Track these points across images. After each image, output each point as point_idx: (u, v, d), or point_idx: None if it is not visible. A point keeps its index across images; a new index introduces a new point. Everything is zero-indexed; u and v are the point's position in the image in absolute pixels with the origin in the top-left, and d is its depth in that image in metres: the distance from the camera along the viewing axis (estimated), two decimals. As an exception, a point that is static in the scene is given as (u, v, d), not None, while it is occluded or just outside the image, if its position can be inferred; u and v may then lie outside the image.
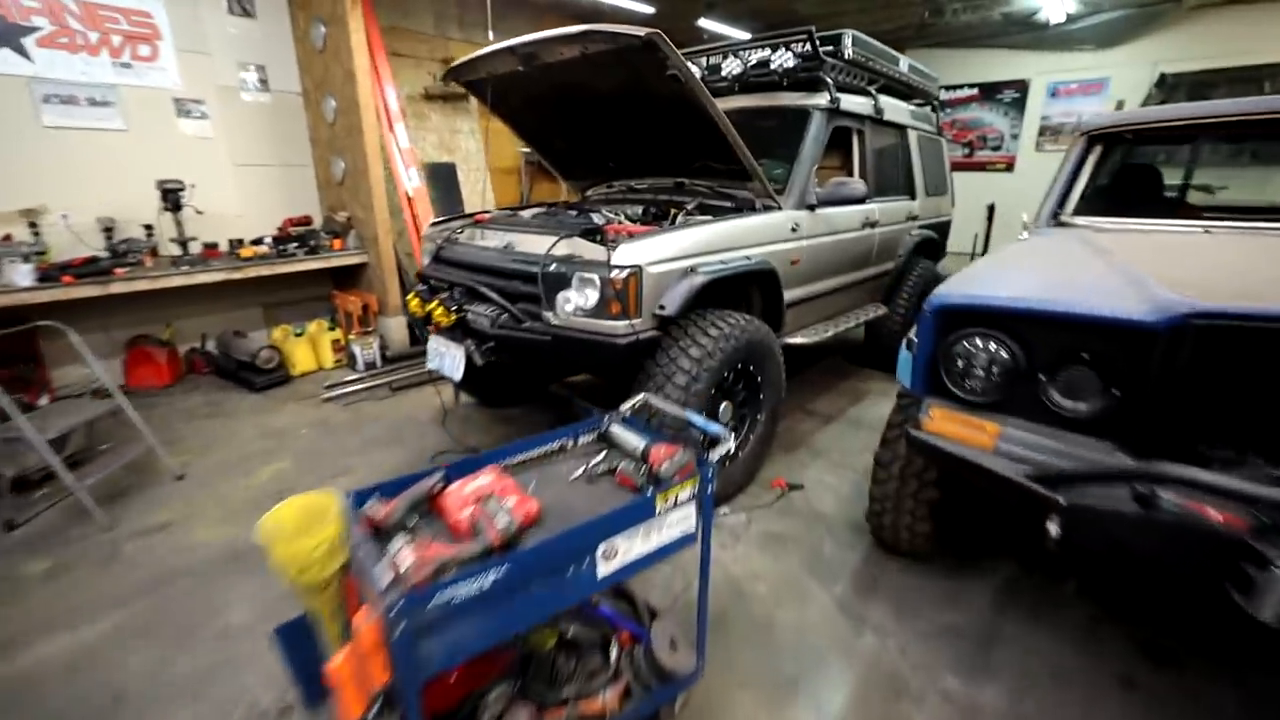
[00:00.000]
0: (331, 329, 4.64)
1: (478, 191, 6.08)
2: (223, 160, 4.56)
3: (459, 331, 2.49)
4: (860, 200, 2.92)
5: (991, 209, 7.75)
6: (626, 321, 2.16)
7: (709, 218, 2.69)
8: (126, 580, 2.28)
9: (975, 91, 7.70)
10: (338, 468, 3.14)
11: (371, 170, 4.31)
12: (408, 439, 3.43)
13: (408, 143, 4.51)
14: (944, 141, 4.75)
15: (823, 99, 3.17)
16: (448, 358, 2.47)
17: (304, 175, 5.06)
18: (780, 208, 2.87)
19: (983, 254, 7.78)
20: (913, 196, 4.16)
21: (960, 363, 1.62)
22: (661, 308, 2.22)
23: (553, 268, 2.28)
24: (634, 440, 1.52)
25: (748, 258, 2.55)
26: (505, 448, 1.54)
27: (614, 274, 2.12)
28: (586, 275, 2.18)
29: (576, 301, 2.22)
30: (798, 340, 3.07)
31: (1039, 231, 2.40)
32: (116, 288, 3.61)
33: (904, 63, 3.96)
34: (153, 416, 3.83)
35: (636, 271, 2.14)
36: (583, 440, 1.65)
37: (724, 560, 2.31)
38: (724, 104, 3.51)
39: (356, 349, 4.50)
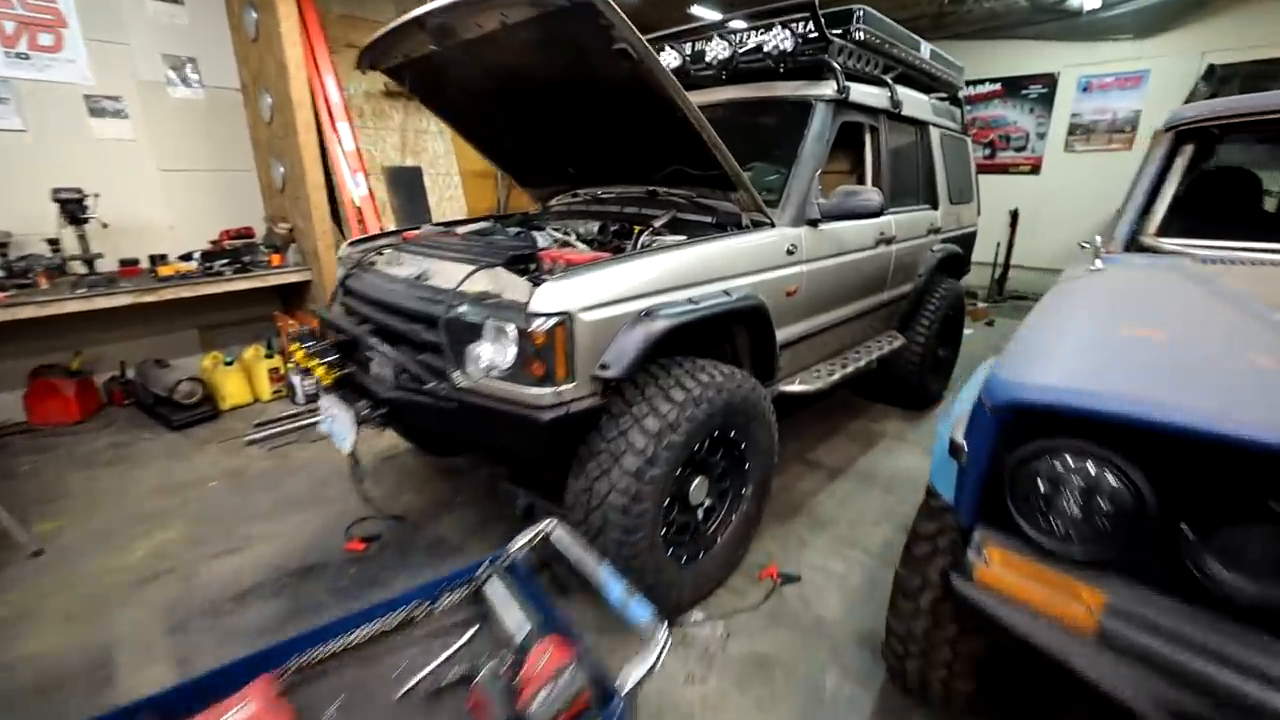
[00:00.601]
0: (270, 355, 4.09)
1: (447, 198, 5.52)
2: (147, 165, 4.03)
3: (350, 390, 1.91)
4: (876, 213, 2.32)
5: (1015, 215, 7.09)
6: (552, 388, 1.57)
7: (678, 239, 2.10)
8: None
9: (998, 87, 7.05)
10: (233, 540, 2.58)
11: (309, 176, 3.76)
12: (332, 497, 2.86)
13: (353, 144, 3.96)
14: (969, 141, 4.12)
15: (828, 88, 2.57)
16: (337, 423, 1.89)
17: (247, 181, 4.52)
18: (773, 224, 2.27)
19: (1005, 266, 7.13)
20: (934, 205, 3.55)
21: (1041, 489, 1.02)
22: (604, 367, 1.64)
23: (461, 310, 1.70)
24: (514, 618, 0.94)
25: (727, 292, 1.95)
26: (307, 633, 0.96)
27: (534, 324, 1.53)
28: (500, 324, 1.60)
29: (489, 358, 1.63)
30: (795, 388, 2.47)
31: (1116, 260, 1.79)
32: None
33: (925, 48, 3.35)
34: (42, 464, 3.29)
35: (565, 320, 1.55)
36: (447, 602, 1.07)
37: (687, 705, 1.72)
38: (708, 96, 2.92)
39: (296, 380, 3.95)
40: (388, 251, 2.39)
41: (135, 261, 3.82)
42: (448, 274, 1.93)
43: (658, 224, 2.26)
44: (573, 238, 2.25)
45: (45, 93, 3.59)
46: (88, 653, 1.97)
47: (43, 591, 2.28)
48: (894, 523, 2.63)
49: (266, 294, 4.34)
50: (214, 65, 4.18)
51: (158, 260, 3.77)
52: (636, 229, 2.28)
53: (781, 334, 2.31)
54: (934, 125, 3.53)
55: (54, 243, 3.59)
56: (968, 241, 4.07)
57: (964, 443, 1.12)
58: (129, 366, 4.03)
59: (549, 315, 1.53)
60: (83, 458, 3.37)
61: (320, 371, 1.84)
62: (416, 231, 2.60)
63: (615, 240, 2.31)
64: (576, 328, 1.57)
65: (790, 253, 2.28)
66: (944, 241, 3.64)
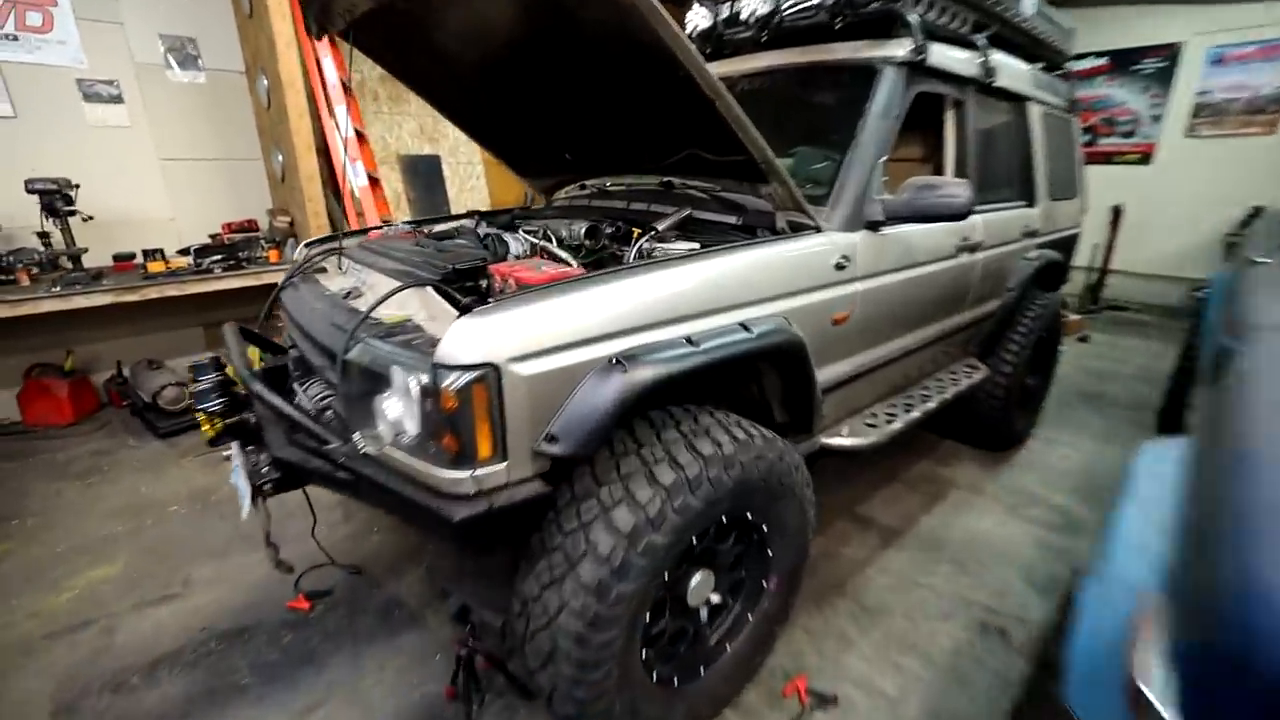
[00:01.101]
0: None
1: (469, 189, 5.13)
2: (146, 153, 3.80)
3: (249, 443, 1.48)
4: (960, 215, 1.70)
5: (1117, 212, 6.09)
6: (470, 471, 1.08)
7: (687, 248, 1.56)
8: None
9: (1104, 62, 6.04)
10: (172, 584, 2.24)
11: (302, 164, 3.42)
12: (292, 535, 2.48)
13: (352, 129, 3.59)
14: (1075, 122, 3.36)
15: (899, 49, 1.95)
16: (240, 479, 1.47)
17: (253, 171, 4.26)
18: (818, 227, 1.70)
19: (1103, 271, 6.15)
20: (1031, 202, 2.84)
21: None
22: (551, 440, 1.13)
23: (362, 348, 1.22)
24: None
25: (745, 326, 1.40)
26: None
27: (442, 380, 1.04)
28: (407, 372, 1.11)
29: (395, 420, 1.16)
30: (842, 442, 1.89)
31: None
32: (-36, 315, 2.86)
33: (1028, 1, 2.64)
34: (18, 471, 3.10)
35: (487, 375, 1.05)
36: None
37: None
38: (743, 65, 2.35)
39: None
40: (340, 257, 1.96)
41: (131, 256, 3.60)
42: (380, 291, 1.47)
43: (662, 226, 1.72)
44: (552, 243, 1.75)
45: (35, 76, 3.38)
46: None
47: None
48: (966, 618, 2.02)
49: (270, 291, 4.06)
50: (215, 46, 3.90)
51: (150, 255, 3.52)
52: (635, 232, 1.76)
53: (825, 373, 1.74)
54: (1035, 101, 2.82)
55: (44, 236, 3.39)
56: (1069, 246, 3.32)
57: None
58: (125, 366, 3.84)
59: (463, 368, 1.04)
60: (59, 466, 3.16)
61: (202, 421, 1.42)
62: (379, 231, 2.16)
63: (608, 246, 1.79)
64: (508, 384, 1.07)
65: (841, 267, 1.70)
66: (1041, 247, 2.93)
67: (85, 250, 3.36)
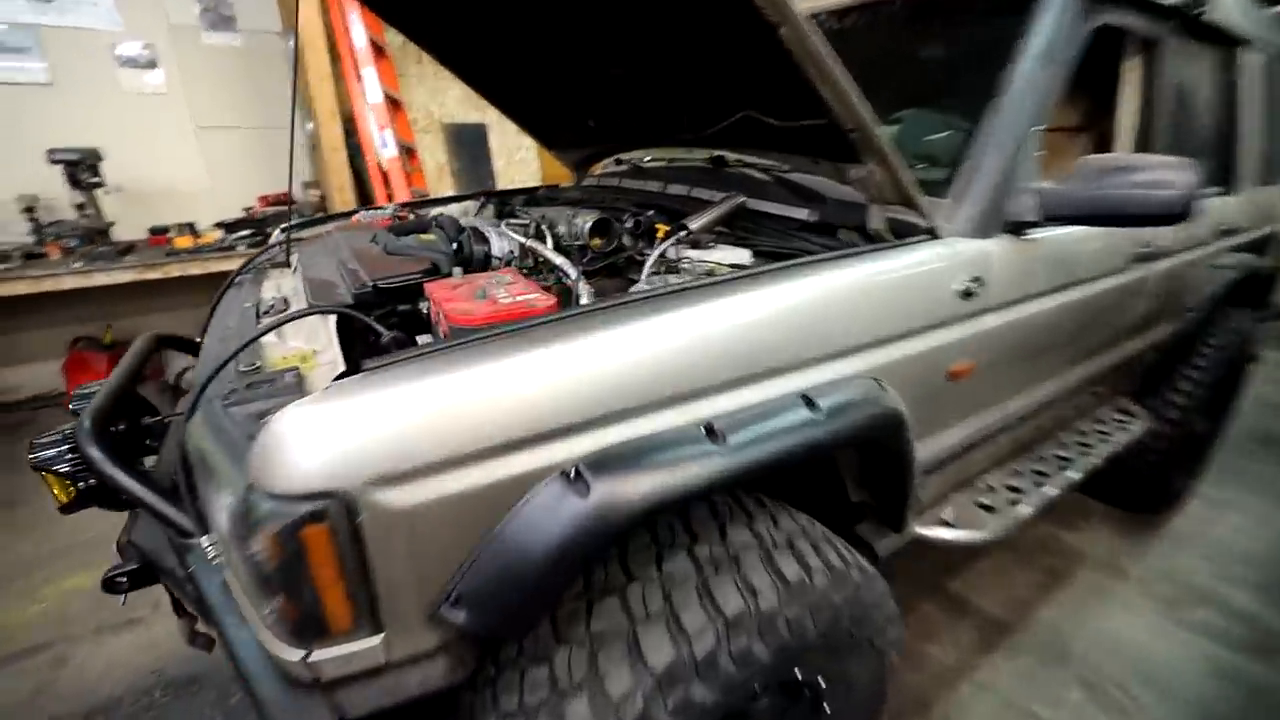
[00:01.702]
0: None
1: (516, 161, 4.73)
2: (182, 121, 3.63)
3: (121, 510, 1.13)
4: (1179, 214, 1.06)
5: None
6: (303, 653, 0.64)
7: (731, 256, 1.04)
8: None
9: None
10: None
11: (325, 132, 3.11)
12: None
13: (380, 95, 3.23)
14: (1298, 76, 2.46)
15: (1076, -43, 1.29)
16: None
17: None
18: (933, 230, 1.12)
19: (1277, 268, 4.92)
20: (1229, 187, 2.06)
21: None
22: (454, 603, 0.67)
23: (199, 422, 0.81)
24: None
25: (809, 400, 0.87)
26: None
27: (262, 516, 0.60)
28: (218, 479, 0.69)
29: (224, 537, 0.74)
30: (944, 535, 1.33)
31: None
32: (-15, 291, 2.78)
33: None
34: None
35: (330, 512, 0.60)
36: None
37: None
38: (832, -6, 1.74)
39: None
40: (305, 246, 1.58)
41: (165, 230, 3.46)
42: (298, 306, 1.06)
43: (697, 223, 1.20)
44: (546, 242, 1.27)
45: (72, 41, 3.23)
46: None
47: None
48: (1112, 787, 1.43)
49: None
50: (252, 5, 3.64)
51: (179, 230, 3.37)
52: (661, 230, 1.25)
53: (929, 447, 1.18)
54: (1253, 47, 2.02)
55: (81, 208, 3.29)
56: (1261, 246, 2.47)
57: None
58: (162, 343, 3.75)
59: (290, 498, 0.59)
60: (84, 448, 3.08)
61: (50, 483, 1.07)
62: (359, 216, 1.77)
63: (625, 246, 1.30)
64: (373, 523, 0.62)
65: (969, 294, 1.11)
66: (1238, 249, 2.14)
67: (112, 224, 3.24)
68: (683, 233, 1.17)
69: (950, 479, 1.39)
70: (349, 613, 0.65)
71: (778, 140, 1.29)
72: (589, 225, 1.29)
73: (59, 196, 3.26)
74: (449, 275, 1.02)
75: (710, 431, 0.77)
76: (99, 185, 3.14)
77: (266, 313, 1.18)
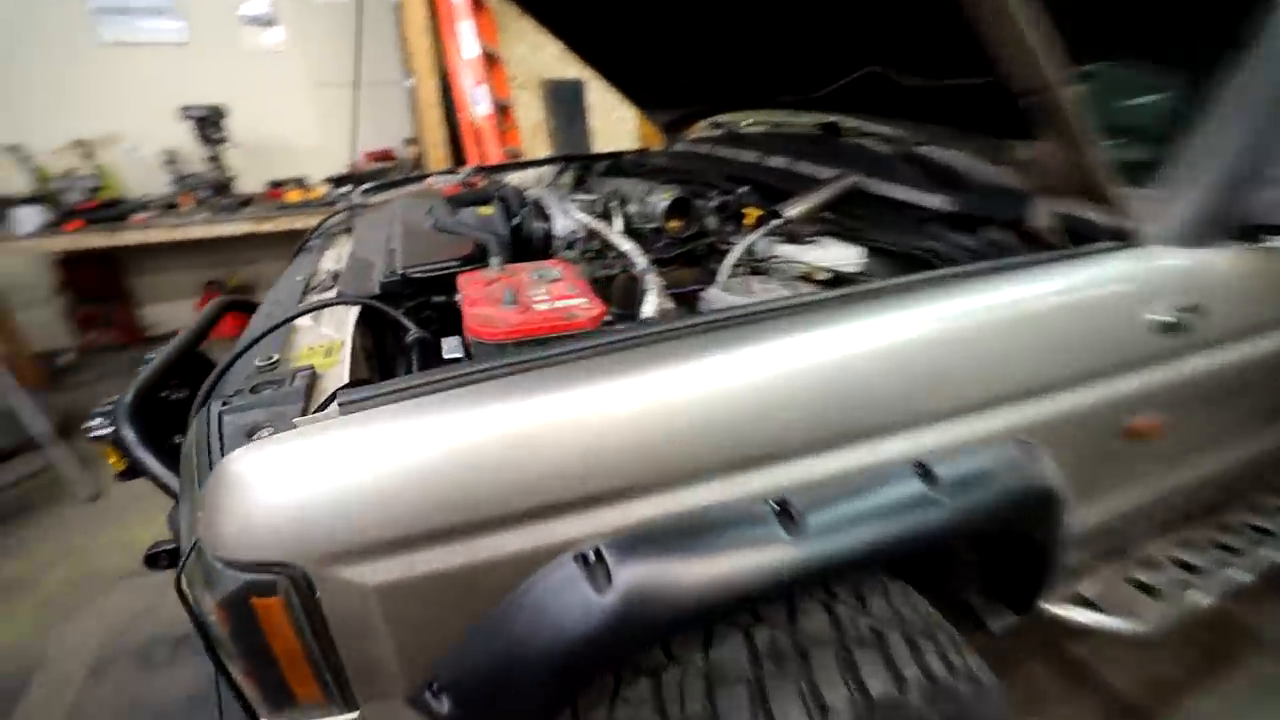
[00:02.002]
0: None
1: (615, 119, 4.52)
2: (298, 77, 3.76)
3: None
4: None
5: None
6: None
7: (835, 258, 0.81)
8: None
9: None
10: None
11: (422, 87, 3.08)
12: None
13: (476, 50, 3.13)
14: None
15: None
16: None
17: (400, 96, 4.08)
18: (1127, 236, 0.81)
19: None
20: None
21: None
22: (436, 694, 0.54)
23: (197, 426, 0.73)
24: None
25: (925, 471, 0.64)
26: None
27: (208, 584, 0.49)
28: (188, 521, 0.59)
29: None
30: (1089, 619, 1.05)
31: None
32: (130, 237, 3.06)
33: None
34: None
35: (280, 587, 0.48)
36: None
37: None
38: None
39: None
40: (371, 211, 1.52)
41: (282, 184, 3.65)
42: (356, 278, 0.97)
43: (795, 209, 0.97)
44: (613, 223, 1.10)
45: (203, 1, 3.40)
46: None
47: (79, 545, 2.15)
48: None
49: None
50: (361, -44, 3.64)
51: (291, 184, 3.53)
52: (750, 215, 1.03)
53: (1082, 515, 0.90)
54: None
55: (214, 160, 3.53)
56: None
57: None
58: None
59: (234, 565, 0.48)
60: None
61: (108, 453, 1.07)
62: (429, 179, 1.67)
63: (707, 231, 1.09)
64: (332, 601, 0.49)
65: (1174, 327, 0.80)
66: None
67: (234, 177, 3.43)
68: (775, 222, 0.95)
69: (1099, 546, 1.09)
70: (316, 688, 0.54)
71: (910, 104, 1.01)
72: (665, 204, 1.09)
73: (194, 151, 3.50)
74: (496, 261, 0.87)
75: (784, 510, 0.57)
76: (224, 140, 3.33)
77: (312, 289, 1.11)
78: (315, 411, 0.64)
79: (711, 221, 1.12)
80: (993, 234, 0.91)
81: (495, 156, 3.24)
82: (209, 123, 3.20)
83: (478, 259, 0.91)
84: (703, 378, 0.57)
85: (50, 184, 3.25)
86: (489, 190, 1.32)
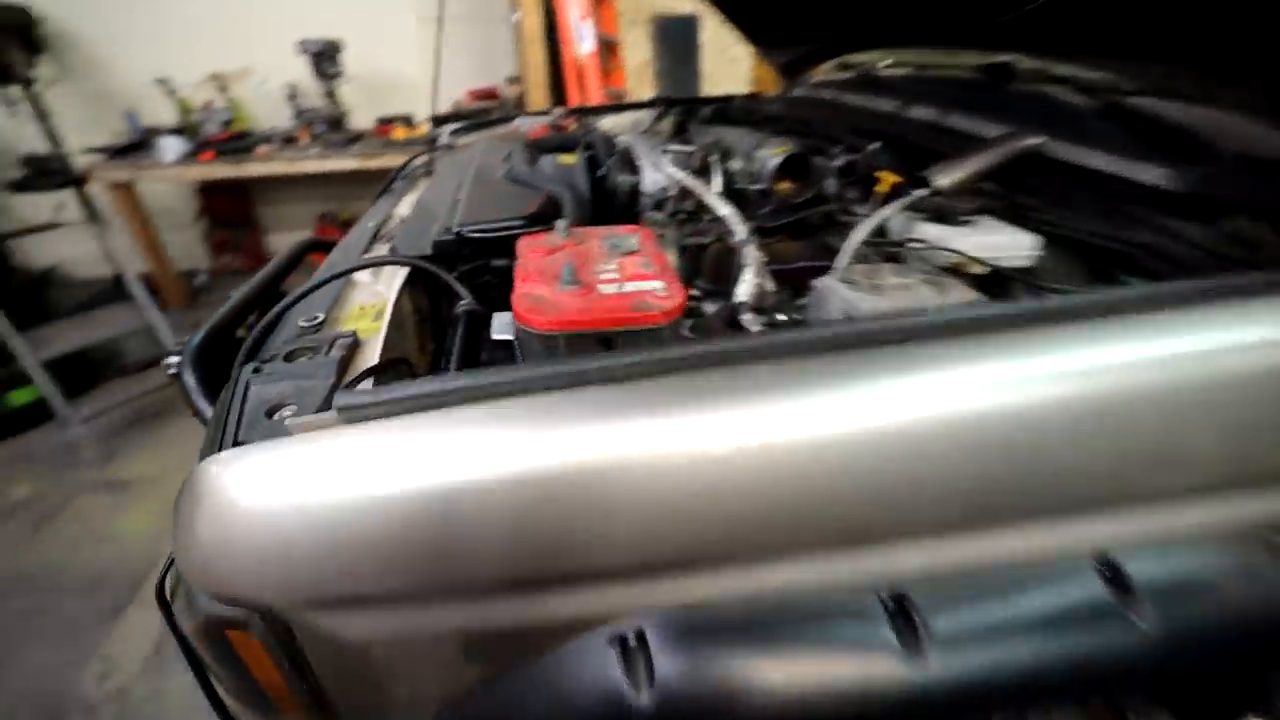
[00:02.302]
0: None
1: (728, 60, 4.16)
2: (406, 11, 3.73)
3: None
4: None
5: None
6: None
7: (1000, 240, 0.60)
8: None
9: None
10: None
11: (527, 21, 2.94)
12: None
13: (585, -21, 2.93)
14: None
15: None
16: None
17: (507, 33, 3.97)
18: None
19: None
20: None
21: None
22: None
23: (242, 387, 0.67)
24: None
25: (1108, 575, 0.45)
26: None
27: (184, 602, 0.42)
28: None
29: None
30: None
31: None
32: (252, 169, 3.24)
33: None
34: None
35: (253, 626, 0.39)
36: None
37: None
38: None
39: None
40: (454, 153, 1.43)
41: (391, 120, 3.70)
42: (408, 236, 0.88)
43: (946, 178, 0.74)
44: (712, 179, 0.92)
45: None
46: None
47: (195, 453, 2.35)
48: None
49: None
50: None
51: (398, 121, 3.57)
52: (885, 181, 0.81)
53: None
54: None
55: (330, 96, 3.63)
56: None
57: None
58: (383, 227, 4.18)
59: (206, 594, 0.40)
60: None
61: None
62: (517, 120, 1.55)
63: (827, 198, 0.90)
64: (312, 648, 0.41)
65: None
66: None
67: (346, 112, 3.51)
68: (919, 193, 0.73)
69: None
70: (303, 712, 0.47)
71: (1124, 39, 0.74)
72: (777, 162, 0.90)
73: (314, 85, 3.61)
74: (563, 224, 0.74)
75: (899, 608, 0.41)
76: (338, 75, 3.39)
77: (381, 237, 1.04)
78: (350, 384, 0.56)
79: (831, 185, 0.92)
80: (1240, 226, 0.65)
81: (596, 98, 3.07)
82: (324, 57, 3.26)
83: (547, 217, 0.79)
84: (804, 416, 0.41)
85: (191, 116, 3.49)
86: (575, 136, 1.18)
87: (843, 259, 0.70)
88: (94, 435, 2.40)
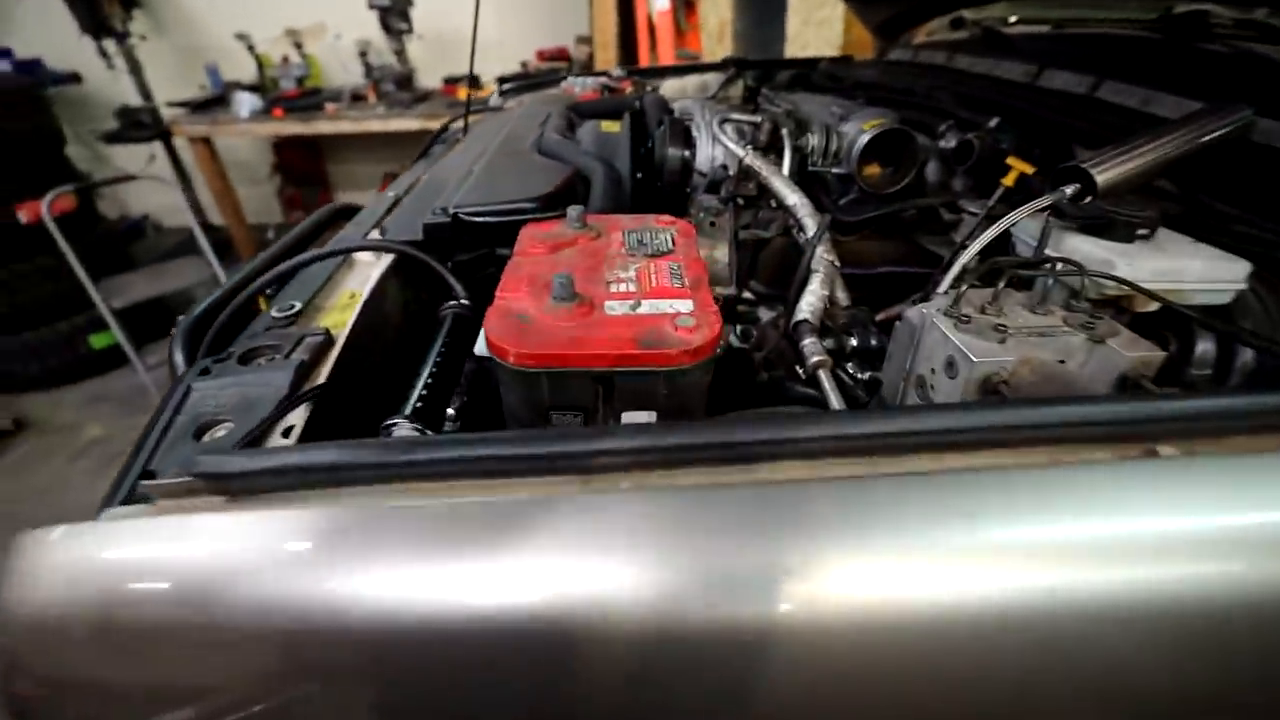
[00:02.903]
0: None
1: (816, 22, 3.80)
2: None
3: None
4: None
5: None
6: None
7: (1174, 305, 0.41)
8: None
9: None
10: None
11: (598, -22, 2.74)
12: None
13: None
14: None
15: None
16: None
17: (579, -10, 3.78)
18: None
19: None
20: None
21: None
22: None
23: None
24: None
25: None
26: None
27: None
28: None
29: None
30: None
31: None
32: (321, 127, 3.25)
33: None
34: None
35: None
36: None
37: None
38: None
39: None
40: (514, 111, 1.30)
41: (457, 80, 3.63)
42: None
43: (1106, 171, 0.53)
44: (783, 156, 0.74)
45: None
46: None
47: None
48: None
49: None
50: None
51: (463, 81, 3.48)
52: (1014, 172, 0.61)
53: None
54: None
55: (400, 54, 3.58)
56: None
57: None
58: (446, 190, 4.15)
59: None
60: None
61: None
62: (566, 81, 1.40)
63: (919, 188, 0.70)
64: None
65: None
66: None
67: (412, 71, 3.45)
68: (1068, 189, 0.53)
69: None
70: None
71: None
72: (866, 139, 0.71)
73: (385, 43, 3.57)
74: (576, 211, 0.58)
75: None
76: (408, 32, 3.32)
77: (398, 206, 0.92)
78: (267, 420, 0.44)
79: (935, 173, 0.72)
80: None
81: (668, 61, 2.85)
82: (393, 12, 3.19)
83: (567, 200, 0.64)
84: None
85: (269, 72, 3.54)
86: (624, 100, 1.01)
87: (947, 277, 0.51)
88: (159, 382, 2.50)
